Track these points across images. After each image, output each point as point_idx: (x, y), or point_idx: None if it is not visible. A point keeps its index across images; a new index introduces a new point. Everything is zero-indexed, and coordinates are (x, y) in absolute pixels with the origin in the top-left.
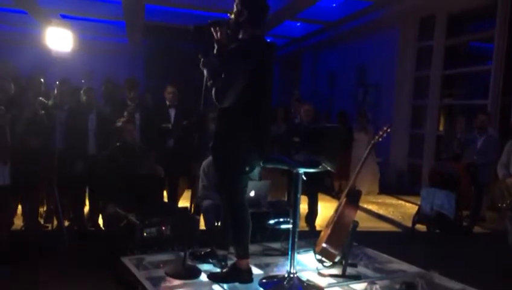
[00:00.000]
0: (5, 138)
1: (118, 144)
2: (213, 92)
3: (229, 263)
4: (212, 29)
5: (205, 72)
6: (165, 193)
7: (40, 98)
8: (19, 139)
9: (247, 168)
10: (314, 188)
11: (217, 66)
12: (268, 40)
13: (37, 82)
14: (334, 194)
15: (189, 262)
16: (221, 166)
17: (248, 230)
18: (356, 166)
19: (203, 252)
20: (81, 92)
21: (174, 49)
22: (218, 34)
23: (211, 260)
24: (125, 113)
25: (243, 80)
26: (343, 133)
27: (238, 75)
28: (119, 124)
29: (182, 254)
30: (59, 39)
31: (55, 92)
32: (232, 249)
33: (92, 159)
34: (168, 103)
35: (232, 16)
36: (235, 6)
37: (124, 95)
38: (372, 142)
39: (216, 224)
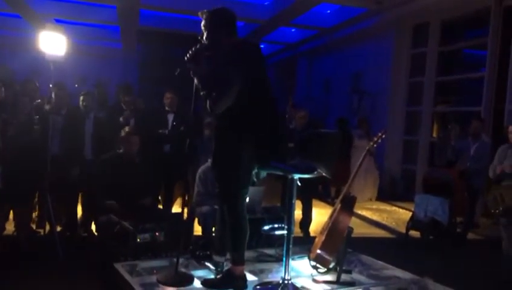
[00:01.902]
0: None
1: (118, 150)
2: (207, 102)
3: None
4: (191, 64)
5: (196, 80)
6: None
7: (38, 100)
8: (10, 143)
9: (251, 173)
10: (309, 194)
11: (207, 75)
12: (251, 43)
13: (32, 86)
14: (330, 200)
15: (183, 267)
16: (224, 175)
17: (245, 237)
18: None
19: (201, 253)
20: (80, 96)
21: (168, 54)
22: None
23: (207, 263)
24: (121, 119)
25: (235, 88)
26: (340, 139)
27: (229, 84)
28: (123, 134)
29: (176, 260)
30: (53, 43)
31: (51, 96)
32: (229, 256)
33: (89, 163)
34: (166, 108)
35: (204, 38)
36: (202, 27)
37: (117, 99)
38: (367, 148)
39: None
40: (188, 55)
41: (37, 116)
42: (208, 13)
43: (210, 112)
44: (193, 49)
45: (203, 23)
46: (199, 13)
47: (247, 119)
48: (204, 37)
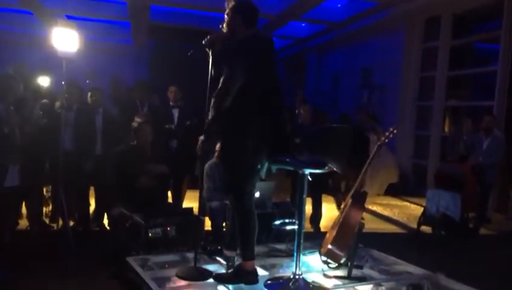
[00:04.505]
0: (15, 138)
1: (131, 143)
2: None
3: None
4: (207, 49)
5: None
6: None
7: (45, 100)
8: (28, 140)
9: (258, 167)
10: (319, 189)
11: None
12: (264, 36)
13: (35, 82)
14: (340, 195)
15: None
16: (230, 166)
17: (254, 232)
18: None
19: (212, 248)
20: (88, 92)
21: (179, 50)
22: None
23: (218, 258)
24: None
25: (242, 78)
26: (352, 134)
27: (238, 73)
28: (135, 124)
29: (187, 254)
30: (65, 39)
31: (63, 91)
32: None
33: (99, 159)
34: (171, 103)
35: (225, 25)
36: (226, 16)
37: (132, 96)
38: (379, 143)
39: (224, 225)
40: (205, 39)
41: (41, 112)
42: (233, 2)
43: (220, 101)
44: (212, 34)
45: (226, 11)
46: (226, 1)
47: (253, 113)
48: (224, 25)
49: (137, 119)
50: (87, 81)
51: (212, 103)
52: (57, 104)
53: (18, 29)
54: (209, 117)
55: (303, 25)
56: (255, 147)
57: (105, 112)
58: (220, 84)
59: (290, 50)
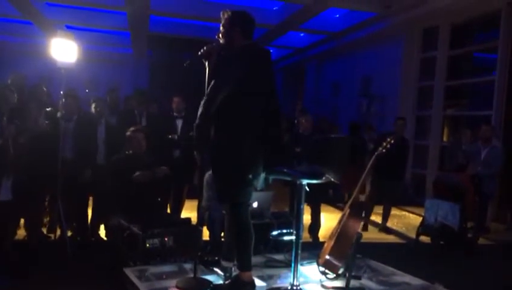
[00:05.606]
0: (8, 152)
1: (127, 152)
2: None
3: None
4: (203, 60)
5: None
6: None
7: (48, 108)
8: (22, 150)
9: (249, 177)
10: (318, 199)
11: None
12: (262, 47)
13: (41, 91)
14: (342, 205)
15: (191, 272)
16: (223, 177)
17: (251, 243)
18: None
19: (209, 259)
20: (92, 102)
21: (178, 59)
22: (211, 59)
23: (215, 269)
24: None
25: (236, 85)
26: (351, 143)
27: (231, 80)
28: (128, 133)
29: (185, 265)
30: (64, 50)
31: (61, 102)
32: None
33: (100, 169)
34: (175, 113)
35: (221, 37)
36: (221, 26)
37: (130, 105)
38: (376, 153)
39: (222, 234)
40: (201, 50)
41: (47, 122)
42: (230, 13)
43: (205, 108)
44: (208, 45)
45: (222, 22)
46: (222, 12)
47: (246, 122)
48: (220, 36)
49: (131, 128)
50: (87, 91)
51: (199, 109)
52: (58, 114)
53: (18, 39)
54: (196, 123)
55: (302, 35)
56: (248, 157)
57: (107, 122)
58: (207, 90)
59: (290, 60)
